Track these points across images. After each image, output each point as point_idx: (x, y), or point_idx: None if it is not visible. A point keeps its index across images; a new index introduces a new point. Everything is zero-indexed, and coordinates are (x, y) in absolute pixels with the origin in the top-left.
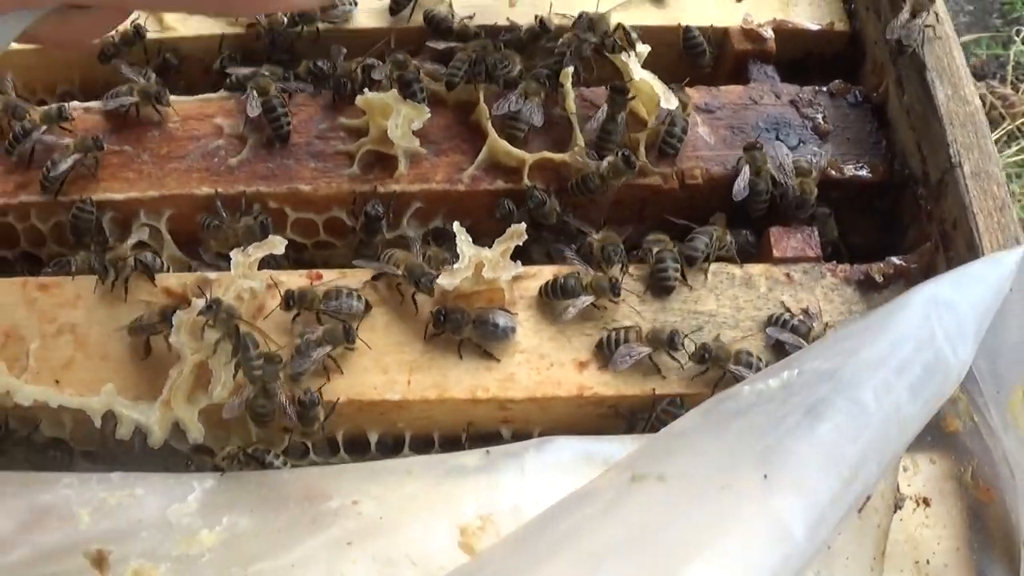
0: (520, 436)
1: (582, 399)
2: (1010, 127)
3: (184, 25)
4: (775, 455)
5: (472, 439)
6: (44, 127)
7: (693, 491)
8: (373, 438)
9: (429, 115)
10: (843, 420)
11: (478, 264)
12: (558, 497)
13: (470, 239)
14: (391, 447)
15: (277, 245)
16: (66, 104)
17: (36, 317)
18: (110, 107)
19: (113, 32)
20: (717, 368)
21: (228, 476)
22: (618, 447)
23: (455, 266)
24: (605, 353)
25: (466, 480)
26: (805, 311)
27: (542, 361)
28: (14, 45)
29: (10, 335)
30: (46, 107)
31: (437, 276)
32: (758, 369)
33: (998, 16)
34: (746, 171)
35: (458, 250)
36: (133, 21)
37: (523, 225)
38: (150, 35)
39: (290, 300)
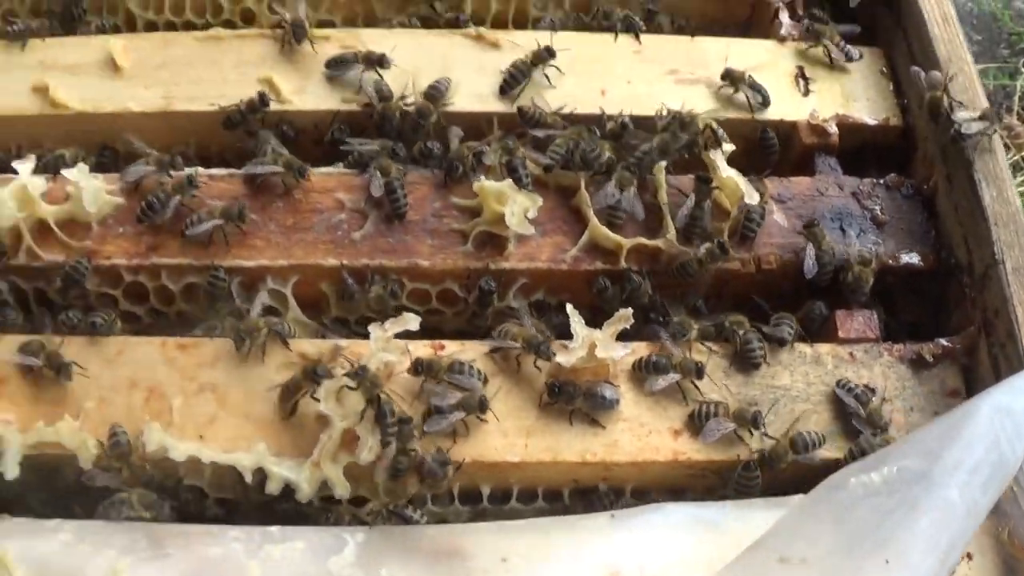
0: (615, 491)
1: (676, 463)
2: (1015, 158)
3: (300, 99)
4: (890, 543)
5: (573, 494)
6: (178, 196)
7: (831, 573)
8: (485, 491)
9: (541, 203)
10: (938, 515)
11: (591, 344)
12: (676, 555)
13: (583, 321)
14: (499, 498)
15: (411, 322)
16: (195, 172)
17: (177, 375)
18: (256, 172)
19: (239, 100)
20: (782, 463)
21: (375, 530)
22: (716, 512)
23: (571, 345)
24: (696, 424)
25: (597, 539)
26: (866, 386)
27: (642, 428)
28: (136, 107)
29: (153, 391)
30: (177, 176)
31: (551, 344)
32: (815, 445)
33: (1005, 47)
34: (810, 248)
35: (572, 330)
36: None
37: (630, 310)
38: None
39: (419, 367)
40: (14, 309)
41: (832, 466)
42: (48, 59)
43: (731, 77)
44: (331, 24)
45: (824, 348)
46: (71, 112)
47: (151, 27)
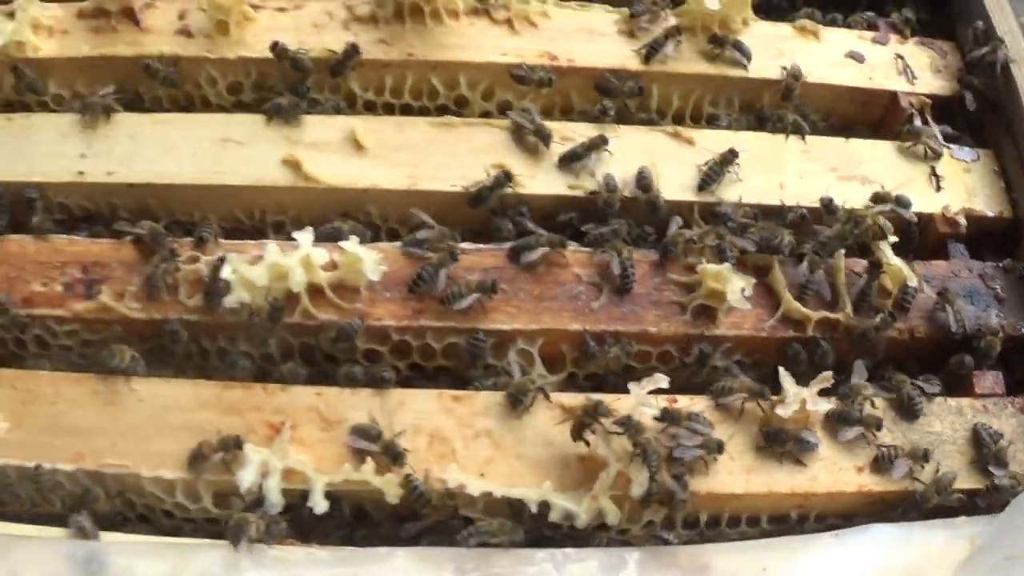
0: (802, 516)
1: (859, 494)
2: None
3: (532, 183)
4: None
5: (769, 519)
6: (444, 269)
7: None
8: (703, 518)
9: (755, 282)
10: None
11: (802, 400)
12: (886, 566)
13: (794, 380)
14: (711, 523)
15: (662, 381)
16: (456, 247)
17: (455, 423)
18: (529, 260)
19: (485, 177)
20: (930, 503)
21: (644, 549)
22: (906, 531)
23: (787, 401)
24: (883, 464)
25: (826, 554)
26: (996, 431)
27: (834, 466)
28: (384, 184)
29: (434, 437)
30: (441, 252)
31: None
32: (951, 484)
33: None
34: (949, 308)
35: (784, 388)
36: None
37: (830, 373)
38: None
39: (665, 415)
40: (298, 363)
41: (967, 495)
42: (292, 135)
43: (881, 199)
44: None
45: (964, 401)
46: (322, 186)
47: (369, 106)
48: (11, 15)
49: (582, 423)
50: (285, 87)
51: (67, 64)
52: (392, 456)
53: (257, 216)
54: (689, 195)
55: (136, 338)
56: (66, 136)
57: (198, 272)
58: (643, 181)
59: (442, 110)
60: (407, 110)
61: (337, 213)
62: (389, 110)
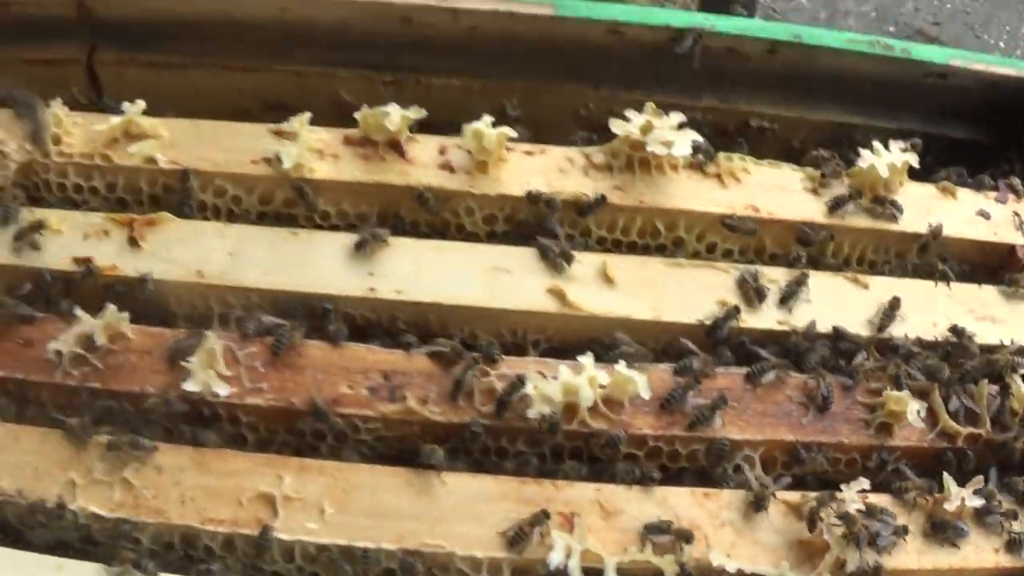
0: None
1: (995, 570)
2: None
3: (751, 318)
4: None
5: None
6: (691, 391)
7: None
8: None
9: (927, 405)
10: None
11: (963, 497)
12: None
13: (955, 482)
14: None
15: (864, 484)
16: (703, 374)
17: (706, 514)
18: (767, 380)
19: (718, 310)
20: None
21: None
22: None
23: (951, 498)
24: (1015, 546)
25: None
26: None
27: (977, 547)
28: (635, 316)
29: (690, 525)
30: (686, 377)
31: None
32: None
33: None
34: None
35: (947, 488)
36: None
37: (981, 476)
38: None
39: (867, 510)
40: (578, 463)
41: None
42: (544, 266)
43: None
44: (729, 253)
45: None
46: (583, 313)
47: (601, 241)
48: (280, 134)
49: (814, 515)
50: (533, 221)
51: (339, 186)
52: (685, 538)
53: (519, 335)
54: (865, 331)
55: (429, 437)
56: (352, 255)
57: (490, 383)
58: (837, 331)
59: (660, 248)
60: (631, 247)
61: (586, 338)
62: (616, 246)
